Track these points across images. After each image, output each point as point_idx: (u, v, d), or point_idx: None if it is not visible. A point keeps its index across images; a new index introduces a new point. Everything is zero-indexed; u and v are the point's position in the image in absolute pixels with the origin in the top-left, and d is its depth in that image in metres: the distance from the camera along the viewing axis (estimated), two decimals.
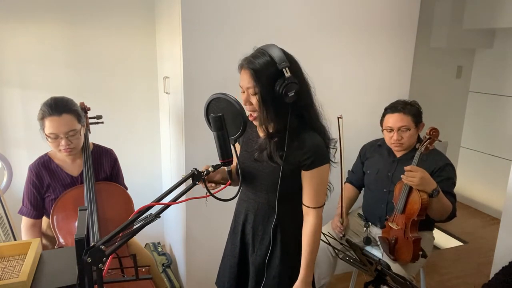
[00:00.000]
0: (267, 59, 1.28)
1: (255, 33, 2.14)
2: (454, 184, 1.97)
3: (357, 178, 2.31)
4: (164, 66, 2.54)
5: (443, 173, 1.94)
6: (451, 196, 1.92)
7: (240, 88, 1.35)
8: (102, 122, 2.14)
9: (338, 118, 1.94)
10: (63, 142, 1.74)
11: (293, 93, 1.26)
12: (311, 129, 1.37)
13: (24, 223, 1.86)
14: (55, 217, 1.76)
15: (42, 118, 1.74)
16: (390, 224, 1.95)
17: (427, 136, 1.86)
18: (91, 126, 2.06)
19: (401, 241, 1.90)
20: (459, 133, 4.17)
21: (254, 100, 1.30)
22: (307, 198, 1.40)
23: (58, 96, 1.80)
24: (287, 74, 1.25)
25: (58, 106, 1.74)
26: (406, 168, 1.81)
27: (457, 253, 3.18)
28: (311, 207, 1.39)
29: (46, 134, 1.75)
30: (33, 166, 1.84)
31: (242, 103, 1.30)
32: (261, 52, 1.31)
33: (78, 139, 1.79)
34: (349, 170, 2.37)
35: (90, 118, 2.07)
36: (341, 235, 2.12)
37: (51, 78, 2.48)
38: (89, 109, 2.04)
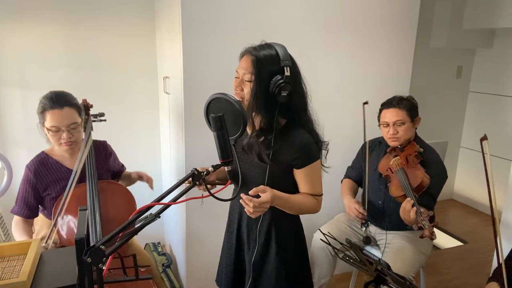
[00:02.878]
0: (272, 52, 1.30)
1: (255, 32, 2.14)
2: (440, 187, 2.02)
3: (356, 173, 2.32)
4: (164, 66, 2.54)
5: (434, 179, 1.97)
6: (433, 201, 1.98)
7: (235, 73, 1.35)
8: (105, 120, 2.14)
9: (364, 104, 1.95)
10: (64, 135, 1.74)
11: (286, 93, 1.27)
12: (299, 127, 1.37)
13: (15, 222, 1.82)
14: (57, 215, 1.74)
15: (42, 112, 1.73)
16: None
17: (426, 231, 1.71)
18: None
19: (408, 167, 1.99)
20: (459, 133, 4.17)
21: (246, 87, 1.31)
22: (303, 190, 1.41)
23: (57, 90, 1.80)
24: (287, 73, 1.26)
25: (59, 99, 1.74)
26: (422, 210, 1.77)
27: (457, 253, 3.18)
28: (310, 194, 1.41)
29: (47, 128, 1.74)
30: (31, 164, 1.82)
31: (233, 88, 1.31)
32: (268, 45, 1.33)
33: (79, 132, 1.80)
34: (348, 167, 2.38)
35: (92, 115, 2.06)
36: (363, 221, 2.12)
37: (51, 78, 2.48)
38: (91, 106, 2.04)
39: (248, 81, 1.30)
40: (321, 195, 1.44)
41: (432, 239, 1.70)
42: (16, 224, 1.83)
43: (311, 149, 1.37)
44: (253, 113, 1.34)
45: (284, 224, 1.46)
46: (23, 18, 2.37)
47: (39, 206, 1.87)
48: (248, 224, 1.49)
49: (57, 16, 2.44)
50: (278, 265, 1.45)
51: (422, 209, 1.75)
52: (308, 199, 1.40)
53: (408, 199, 1.81)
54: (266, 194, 1.25)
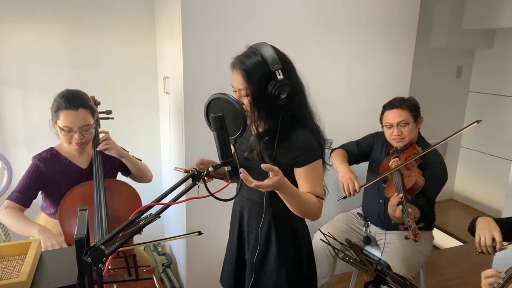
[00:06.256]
0: (259, 59, 1.28)
1: (255, 32, 2.14)
2: (438, 189, 2.01)
3: (356, 152, 2.25)
4: (164, 66, 2.54)
5: (432, 181, 1.97)
6: (427, 201, 1.98)
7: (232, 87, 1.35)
8: (113, 118, 2.13)
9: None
10: (76, 136, 1.75)
11: (285, 95, 1.26)
12: (301, 127, 1.36)
13: (7, 205, 1.72)
14: (62, 212, 1.73)
15: (57, 111, 1.73)
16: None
17: (411, 233, 1.71)
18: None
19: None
20: (459, 133, 4.16)
21: (245, 100, 1.31)
22: (304, 189, 1.37)
23: (73, 90, 1.80)
24: (280, 76, 1.25)
25: (75, 100, 1.74)
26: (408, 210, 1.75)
27: (457, 253, 3.18)
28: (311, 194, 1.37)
29: (59, 127, 1.74)
30: (42, 156, 1.81)
31: None
32: (252, 51, 1.31)
33: (90, 134, 1.81)
34: (353, 141, 2.31)
35: (100, 112, 2.06)
36: (354, 192, 2.00)
37: (51, 78, 2.48)
38: (99, 103, 2.04)
39: (245, 95, 1.31)
40: (322, 198, 1.41)
41: (415, 241, 1.70)
42: (12, 212, 1.71)
43: (312, 147, 1.36)
44: (258, 122, 1.35)
45: (284, 224, 1.46)
46: (23, 18, 2.37)
47: (43, 203, 1.88)
48: (248, 224, 1.49)
49: (58, 16, 2.44)
50: (279, 265, 1.45)
51: (410, 210, 1.75)
52: (311, 198, 1.37)
53: (399, 195, 1.80)
54: (273, 179, 1.20)
